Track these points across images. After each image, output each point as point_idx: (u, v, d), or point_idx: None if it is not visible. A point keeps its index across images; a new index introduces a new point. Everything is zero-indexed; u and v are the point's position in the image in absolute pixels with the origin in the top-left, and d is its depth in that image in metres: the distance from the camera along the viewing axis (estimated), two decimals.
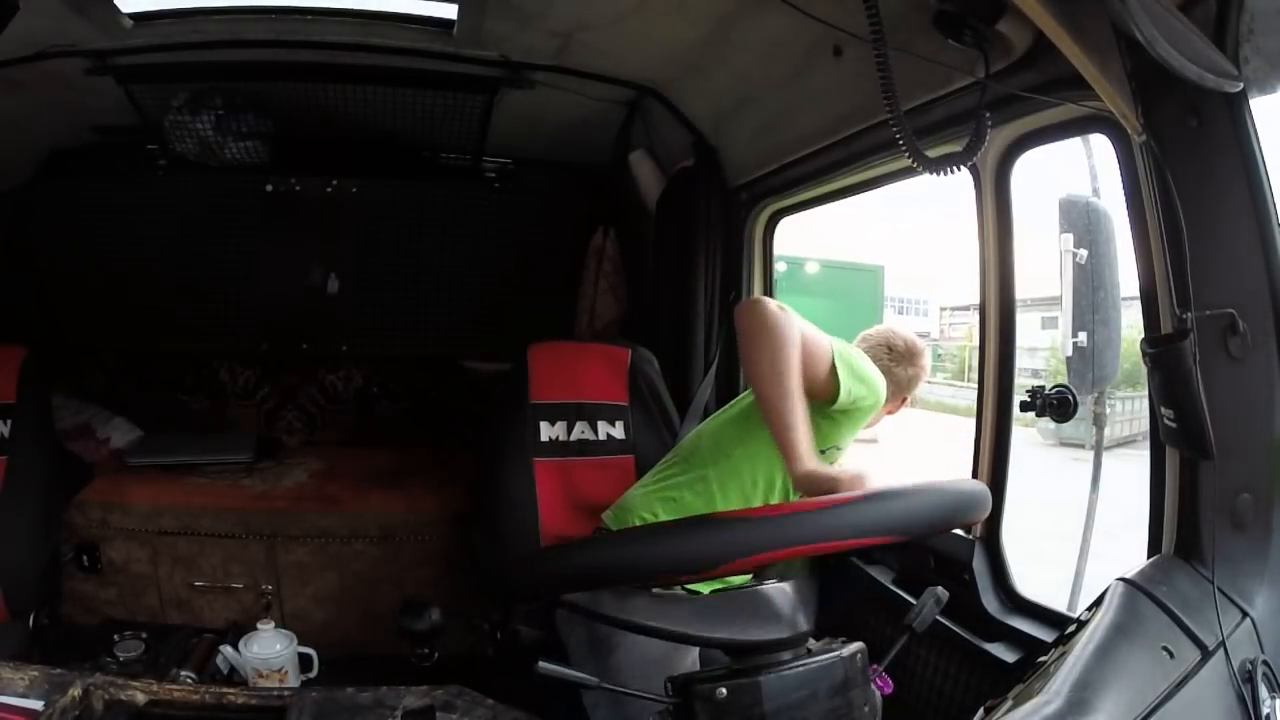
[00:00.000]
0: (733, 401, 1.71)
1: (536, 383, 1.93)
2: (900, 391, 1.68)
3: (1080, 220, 1.16)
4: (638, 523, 1.52)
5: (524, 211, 2.75)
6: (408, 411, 2.90)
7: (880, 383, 1.48)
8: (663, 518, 1.50)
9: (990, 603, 1.40)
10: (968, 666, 1.39)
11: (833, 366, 1.36)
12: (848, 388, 1.38)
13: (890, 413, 1.71)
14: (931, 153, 1.13)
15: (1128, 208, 1.08)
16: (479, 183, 2.74)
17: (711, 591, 0.84)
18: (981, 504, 0.82)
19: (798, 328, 1.27)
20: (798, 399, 1.22)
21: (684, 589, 1.14)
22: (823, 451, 1.52)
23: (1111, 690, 0.75)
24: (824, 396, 1.39)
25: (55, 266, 2.60)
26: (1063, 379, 1.36)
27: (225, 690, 0.86)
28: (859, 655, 0.76)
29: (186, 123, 2.25)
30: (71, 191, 2.58)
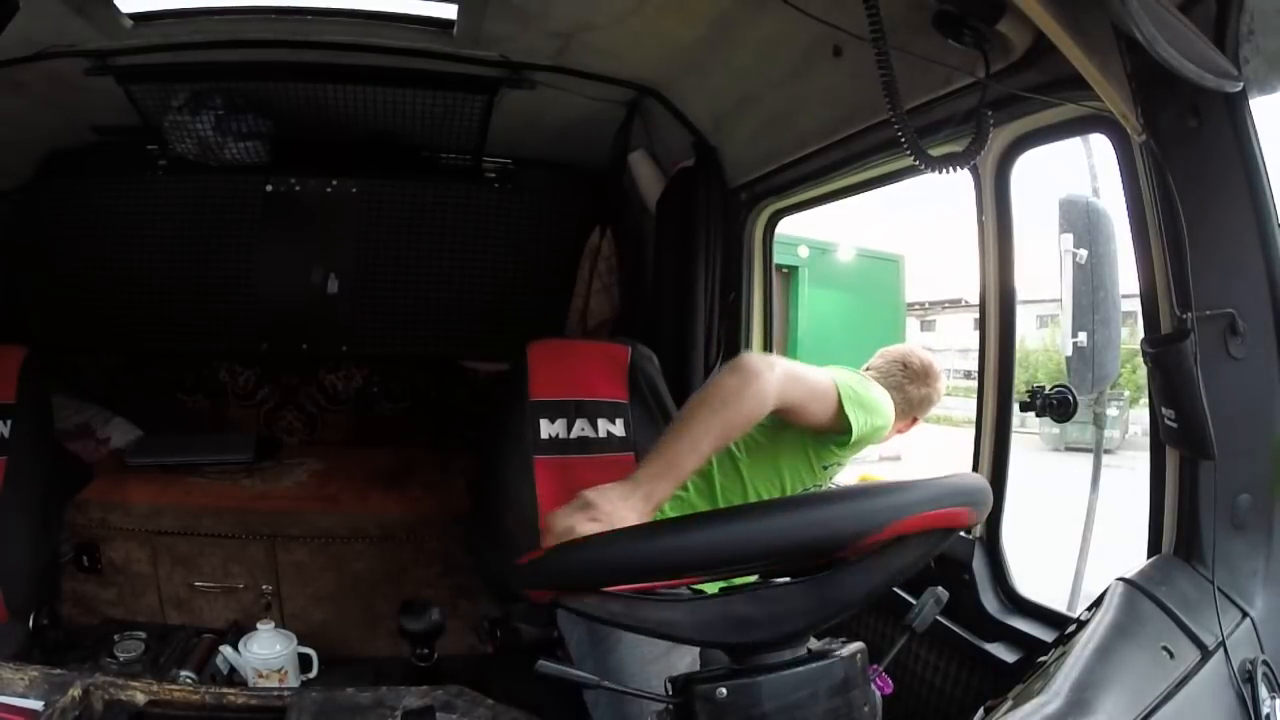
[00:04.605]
0: None
1: (536, 380, 1.92)
2: (912, 410, 1.68)
3: (1080, 220, 1.15)
4: None
5: (524, 211, 2.75)
6: (408, 411, 2.90)
7: (888, 405, 1.49)
8: (670, 515, 1.50)
9: (990, 603, 1.41)
10: (968, 666, 1.39)
11: (839, 402, 1.37)
12: (859, 423, 1.39)
13: (900, 431, 1.71)
14: (932, 152, 1.13)
15: (1128, 208, 1.07)
16: (479, 183, 2.73)
17: (717, 591, 0.84)
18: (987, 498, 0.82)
19: (771, 392, 1.17)
20: (694, 447, 1.11)
21: (689, 588, 1.14)
22: (825, 468, 1.54)
23: (1111, 690, 0.75)
24: (837, 430, 1.41)
25: (55, 266, 2.59)
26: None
27: (225, 690, 0.86)
28: (859, 655, 0.75)
29: (186, 123, 2.25)
30: (71, 191, 2.57)
